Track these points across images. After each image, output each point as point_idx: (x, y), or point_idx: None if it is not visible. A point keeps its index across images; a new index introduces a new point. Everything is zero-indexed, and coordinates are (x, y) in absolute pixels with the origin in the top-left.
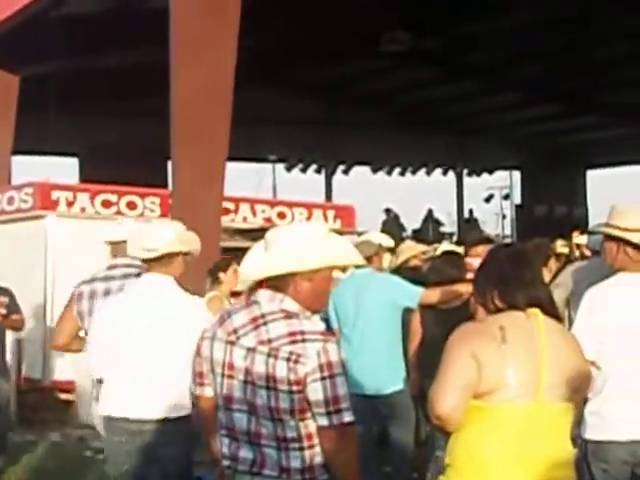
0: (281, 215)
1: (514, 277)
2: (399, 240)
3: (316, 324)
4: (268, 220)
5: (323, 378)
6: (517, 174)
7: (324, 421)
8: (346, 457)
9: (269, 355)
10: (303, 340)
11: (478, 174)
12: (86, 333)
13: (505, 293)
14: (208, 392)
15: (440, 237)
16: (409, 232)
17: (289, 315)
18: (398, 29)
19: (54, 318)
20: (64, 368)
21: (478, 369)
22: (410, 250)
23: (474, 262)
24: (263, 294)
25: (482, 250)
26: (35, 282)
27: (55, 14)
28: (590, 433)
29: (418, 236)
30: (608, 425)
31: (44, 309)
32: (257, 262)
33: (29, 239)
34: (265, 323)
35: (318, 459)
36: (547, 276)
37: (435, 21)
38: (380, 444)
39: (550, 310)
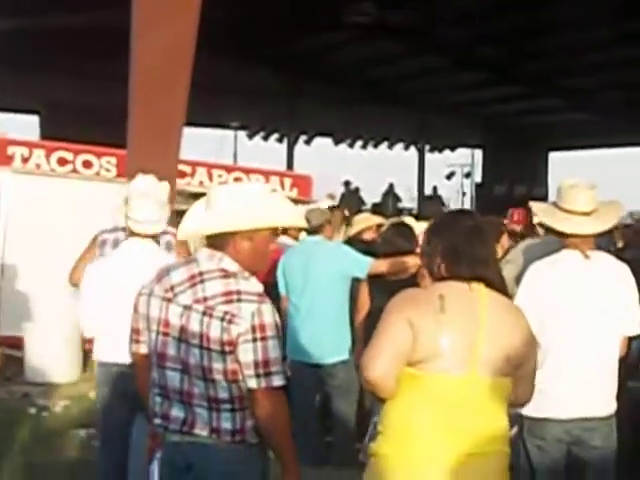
0: (238, 180)
1: (466, 253)
2: (356, 212)
3: (253, 285)
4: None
5: (255, 339)
6: (479, 153)
7: (253, 383)
8: (275, 421)
9: (204, 314)
10: (239, 300)
11: (440, 151)
12: None
13: (453, 265)
14: (143, 349)
15: (399, 212)
16: (369, 206)
17: (227, 274)
18: (363, 0)
19: (5, 273)
20: (12, 324)
21: (413, 336)
22: (365, 221)
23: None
24: (202, 252)
25: None
26: None
27: None
28: (527, 409)
29: (378, 210)
30: (545, 402)
31: None
32: (197, 219)
33: None
34: (202, 281)
35: (250, 422)
36: (499, 252)
37: None
38: (323, 413)
39: (498, 287)
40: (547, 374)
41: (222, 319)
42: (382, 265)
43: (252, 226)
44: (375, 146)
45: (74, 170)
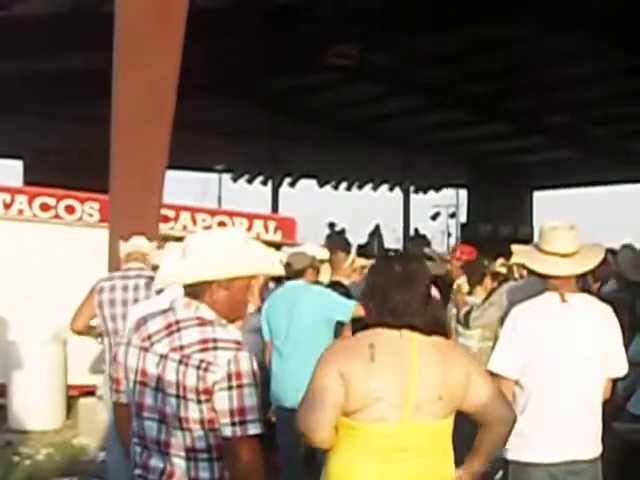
0: (222, 224)
1: (393, 300)
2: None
3: (230, 332)
4: (208, 229)
5: (230, 387)
6: (464, 192)
7: (228, 432)
8: (250, 471)
9: (180, 362)
10: (215, 348)
11: (425, 191)
12: (103, 321)
13: (382, 312)
14: (123, 399)
15: (386, 253)
16: (354, 247)
17: (203, 322)
18: (345, 43)
19: None
20: None
21: (344, 387)
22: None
23: None
24: (179, 301)
25: None
26: None
27: (5, 14)
28: (511, 453)
29: (364, 251)
30: (529, 446)
31: None
32: (173, 268)
33: None
34: (179, 330)
35: (228, 473)
36: (482, 294)
37: (383, 36)
38: (308, 460)
39: (430, 332)
40: (531, 417)
41: (198, 367)
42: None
43: (228, 275)
44: (360, 187)
45: (57, 216)
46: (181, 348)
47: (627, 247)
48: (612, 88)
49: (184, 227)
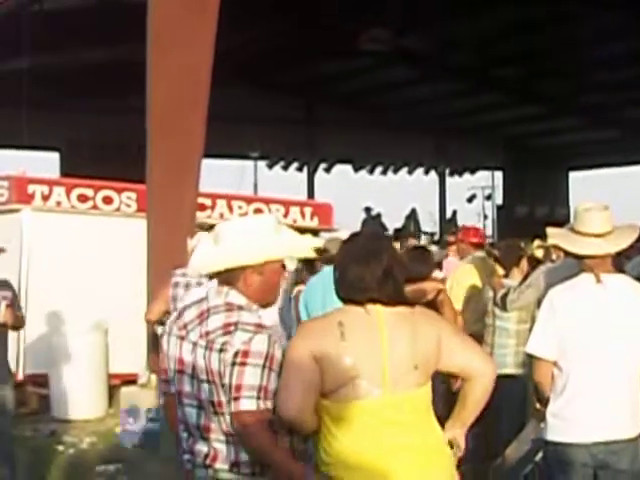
0: (258, 211)
1: (348, 275)
2: None
3: (255, 316)
4: (245, 216)
5: (233, 364)
6: (499, 175)
7: (230, 408)
8: (253, 444)
9: (206, 348)
10: (235, 330)
11: (460, 174)
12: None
13: (343, 290)
14: (170, 388)
15: (421, 235)
16: (390, 231)
17: (231, 308)
18: (379, 27)
19: (28, 311)
20: (38, 362)
21: (319, 369)
22: None
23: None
24: (212, 289)
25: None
26: (10, 276)
27: (37, 8)
28: (551, 435)
29: (400, 235)
30: (569, 427)
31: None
32: (206, 256)
33: (4, 233)
34: (208, 317)
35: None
36: (518, 276)
37: (417, 20)
38: None
39: (394, 303)
40: (569, 398)
41: (220, 350)
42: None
43: (261, 260)
44: (395, 172)
45: (94, 206)
46: (207, 334)
47: None
48: None
49: (221, 215)
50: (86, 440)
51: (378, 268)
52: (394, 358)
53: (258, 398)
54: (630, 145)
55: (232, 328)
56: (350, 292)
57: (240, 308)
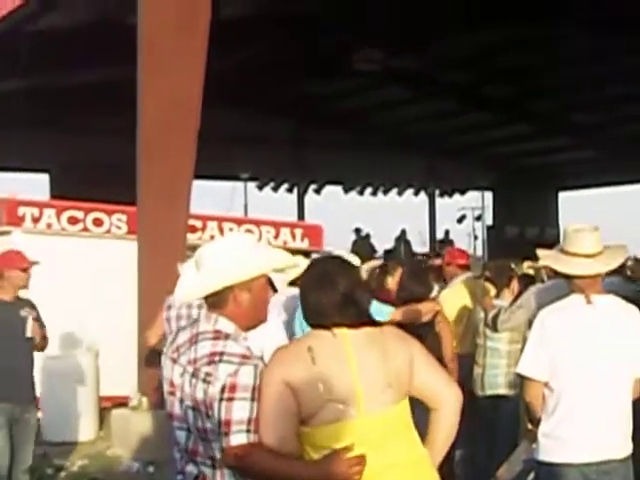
0: (249, 233)
1: (309, 301)
2: (368, 259)
3: (241, 346)
4: None
5: (221, 399)
6: (489, 195)
7: (222, 443)
8: (255, 473)
9: (193, 375)
10: (220, 361)
11: (450, 195)
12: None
13: (307, 315)
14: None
15: (412, 256)
16: (380, 252)
17: (218, 336)
18: (370, 48)
19: None
20: None
21: (293, 395)
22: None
23: None
24: (202, 313)
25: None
26: None
27: (30, 29)
28: (543, 455)
29: (391, 257)
30: (561, 447)
31: None
32: (190, 283)
33: None
34: (196, 342)
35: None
36: (509, 297)
37: (408, 40)
38: None
39: (358, 325)
40: (561, 419)
41: (204, 380)
42: (397, 314)
43: (248, 276)
44: (385, 192)
45: (85, 228)
46: (195, 361)
47: None
48: (637, 86)
49: (211, 237)
50: (77, 463)
51: (335, 293)
52: (365, 379)
53: (248, 431)
54: (619, 165)
55: (217, 358)
56: (313, 317)
57: (227, 337)
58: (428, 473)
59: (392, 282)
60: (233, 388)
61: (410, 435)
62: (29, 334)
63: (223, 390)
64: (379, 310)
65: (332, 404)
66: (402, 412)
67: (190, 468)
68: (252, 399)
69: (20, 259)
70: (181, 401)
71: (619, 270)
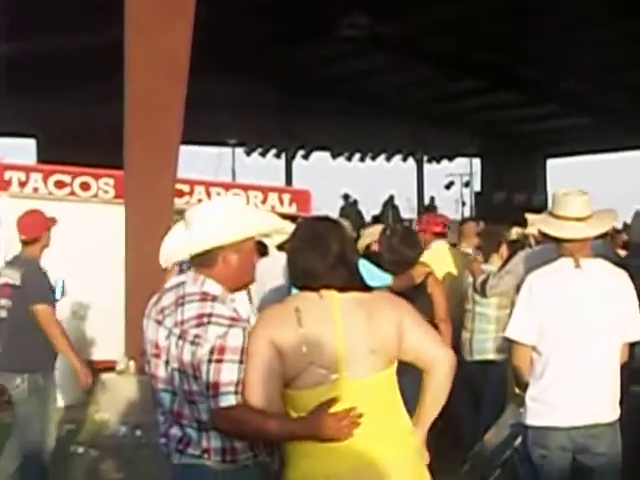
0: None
1: (298, 263)
2: (358, 225)
3: (228, 308)
4: None
5: (210, 361)
6: (477, 162)
7: (210, 404)
8: (244, 434)
9: (179, 337)
10: (208, 322)
11: (438, 161)
12: None
13: (295, 278)
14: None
15: (400, 222)
16: (368, 218)
17: (205, 297)
18: (356, 14)
19: None
20: None
21: (278, 356)
22: (371, 236)
23: None
24: (189, 275)
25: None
26: None
27: None
28: (530, 419)
29: (379, 222)
30: (548, 411)
31: None
32: (180, 241)
33: None
34: (182, 304)
35: (239, 441)
36: (498, 262)
37: (394, 6)
38: None
39: (348, 288)
40: (549, 383)
41: (192, 342)
42: (394, 284)
43: (239, 237)
44: (373, 159)
45: (72, 193)
46: (182, 323)
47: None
48: (628, 55)
49: (199, 201)
50: (65, 427)
51: (327, 255)
52: (349, 343)
53: (236, 393)
54: (607, 132)
55: (205, 320)
56: (302, 280)
57: (214, 299)
58: (408, 446)
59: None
60: (222, 350)
61: (394, 404)
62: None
63: (212, 352)
64: (376, 277)
65: (315, 367)
66: (384, 380)
67: (174, 431)
68: (240, 361)
69: (45, 218)
70: (167, 363)
71: (604, 236)
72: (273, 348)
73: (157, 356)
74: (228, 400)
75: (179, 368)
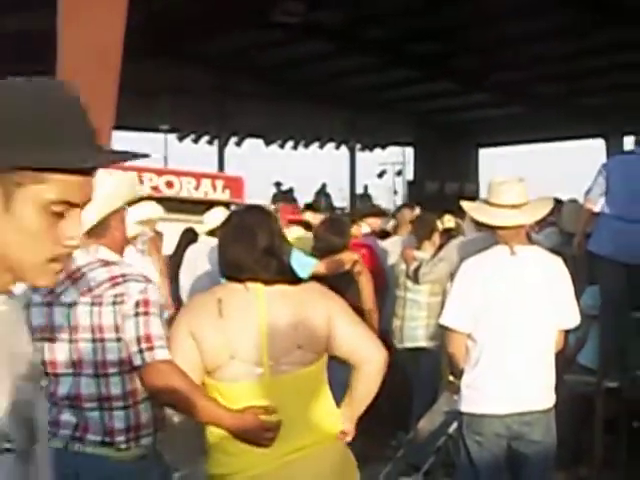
0: (169, 184)
1: (227, 254)
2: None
3: (136, 269)
4: (155, 189)
5: (137, 314)
6: (410, 150)
7: (138, 361)
8: (171, 393)
9: (93, 304)
10: (125, 281)
11: (371, 149)
12: None
13: (223, 268)
14: None
15: (332, 211)
16: (301, 206)
17: (107, 263)
18: (291, 0)
19: None
20: None
21: (197, 346)
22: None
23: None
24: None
25: (372, 222)
26: None
27: None
28: (465, 406)
29: (311, 210)
30: (482, 398)
31: None
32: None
33: None
34: (83, 275)
35: (143, 417)
36: (430, 250)
37: None
38: None
39: (275, 281)
40: (483, 370)
41: (113, 303)
42: (321, 267)
43: (121, 204)
44: (306, 146)
45: None
46: (90, 290)
47: (573, 202)
48: (561, 45)
49: None
50: None
51: (254, 247)
52: (274, 337)
53: (168, 347)
54: (540, 121)
55: (120, 280)
56: (229, 271)
57: (114, 264)
58: (334, 442)
59: (357, 230)
60: (147, 303)
61: (320, 399)
62: None
63: (137, 305)
64: (302, 263)
65: (236, 361)
66: (311, 375)
67: (66, 417)
68: (162, 316)
69: None
70: (69, 341)
71: (554, 223)
72: (191, 338)
73: (52, 340)
74: (163, 354)
75: (93, 338)
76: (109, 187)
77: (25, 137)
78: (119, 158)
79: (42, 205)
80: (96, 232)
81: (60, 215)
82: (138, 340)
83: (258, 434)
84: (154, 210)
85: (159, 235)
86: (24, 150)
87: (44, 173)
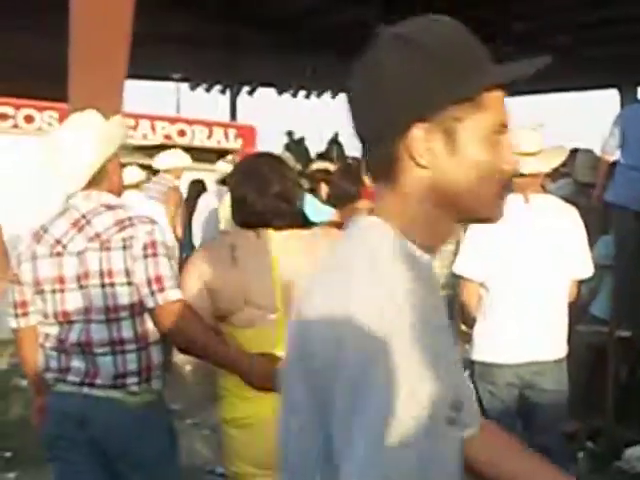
0: (181, 133)
1: (242, 202)
2: (303, 163)
3: (141, 212)
4: (168, 137)
5: (145, 256)
6: None
7: (151, 303)
8: (185, 334)
9: (101, 249)
10: (132, 224)
11: None
12: None
13: (236, 215)
14: (33, 320)
15: (344, 160)
16: (313, 155)
17: (111, 207)
18: None
19: None
20: None
21: (208, 293)
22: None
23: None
24: (76, 197)
25: None
26: None
27: None
28: (478, 355)
29: (323, 160)
30: (496, 347)
31: None
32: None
33: None
34: (89, 221)
35: (155, 359)
36: None
37: None
38: None
39: (288, 226)
40: (496, 319)
41: (122, 247)
42: (337, 216)
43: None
44: (318, 95)
45: (15, 125)
46: (98, 235)
47: (587, 151)
48: None
49: (144, 136)
50: (7, 360)
51: (267, 192)
52: (287, 283)
53: (179, 287)
54: (552, 72)
55: (127, 223)
56: (242, 217)
57: (120, 207)
58: None
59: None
60: (154, 244)
61: None
62: None
63: (145, 247)
64: (318, 209)
65: (250, 307)
66: None
67: (76, 363)
68: (169, 257)
69: None
70: (80, 289)
71: (568, 174)
72: (202, 285)
73: (62, 290)
74: (175, 294)
75: (102, 283)
76: (104, 132)
77: (471, 62)
78: (527, 68)
79: (485, 134)
80: (95, 179)
81: (497, 142)
82: (149, 282)
83: (272, 379)
84: (182, 159)
85: (176, 190)
86: (476, 71)
87: (477, 99)
